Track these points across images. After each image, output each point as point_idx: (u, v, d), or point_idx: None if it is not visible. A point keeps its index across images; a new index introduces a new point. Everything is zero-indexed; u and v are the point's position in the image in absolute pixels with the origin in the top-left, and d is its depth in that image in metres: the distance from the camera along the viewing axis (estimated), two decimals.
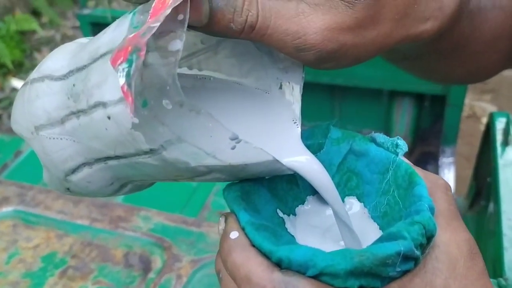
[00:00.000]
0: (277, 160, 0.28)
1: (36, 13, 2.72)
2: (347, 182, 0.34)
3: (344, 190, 0.34)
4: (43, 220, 0.76)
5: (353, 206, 0.34)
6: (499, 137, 0.69)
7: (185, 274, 0.64)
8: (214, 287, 0.63)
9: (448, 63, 0.44)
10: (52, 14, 2.69)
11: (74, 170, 0.30)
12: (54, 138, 0.29)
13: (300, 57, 0.29)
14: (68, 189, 0.31)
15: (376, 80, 1.27)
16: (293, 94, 0.32)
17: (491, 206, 0.67)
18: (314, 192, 0.34)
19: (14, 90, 2.23)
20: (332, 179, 0.34)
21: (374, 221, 0.33)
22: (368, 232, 0.32)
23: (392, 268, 0.25)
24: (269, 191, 0.32)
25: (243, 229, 0.28)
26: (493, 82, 1.75)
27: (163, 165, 0.27)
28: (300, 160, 0.29)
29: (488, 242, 0.65)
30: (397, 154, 0.32)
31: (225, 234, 0.28)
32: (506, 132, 0.69)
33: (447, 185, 0.30)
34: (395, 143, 0.32)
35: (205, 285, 0.63)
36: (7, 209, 0.77)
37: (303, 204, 0.34)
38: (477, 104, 1.67)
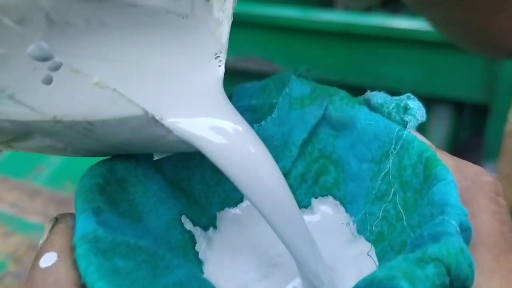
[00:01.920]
0: (156, 120, 0.14)
1: None
2: (319, 176, 0.20)
3: (314, 189, 0.20)
4: None
5: (327, 214, 0.20)
6: None
7: None
8: None
9: (502, 18, 0.29)
10: None
11: None
12: None
13: None
14: None
15: (409, 82, 1.11)
16: (224, 8, 0.18)
17: None
18: None
19: None
20: (291, 168, 0.20)
21: (368, 241, 0.18)
22: (351, 263, 0.18)
23: None
24: (170, 182, 0.18)
25: (74, 249, 0.14)
26: None
27: None
28: (211, 125, 0.15)
29: None
30: (405, 126, 0.17)
31: (36, 257, 0.14)
32: None
33: (496, 185, 0.16)
34: (402, 104, 0.17)
35: None
36: None
37: (235, 206, 0.20)
38: None
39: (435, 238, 0.13)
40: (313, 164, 0.19)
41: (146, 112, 0.14)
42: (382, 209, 0.17)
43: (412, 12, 0.92)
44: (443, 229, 0.13)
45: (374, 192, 0.18)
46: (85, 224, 0.14)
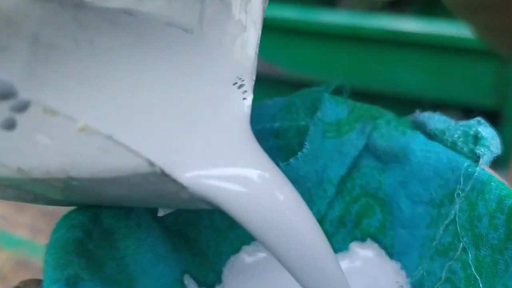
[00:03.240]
0: (165, 175, 0.10)
1: None
2: (361, 218, 0.16)
3: (354, 234, 0.16)
4: None
5: (370, 263, 0.16)
6: None
7: None
8: None
9: None
10: None
11: None
12: None
13: None
14: None
15: (417, 87, 1.07)
16: (248, 8, 0.14)
17: None
18: None
19: None
20: (327, 211, 0.16)
21: None
22: None
23: None
24: (170, 230, 0.14)
25: None
26: None
27: None
28: (233, 176, 0.11)
29: None
30: (476, 160, 0.13)
31: None
32: None
33: None
34: (471, 132, 0.14)
35: None
36: None
37: (248, 244, 0.16)
38: None
39: None
40: (353, 204, 0.15)
41: (152, 165, 0.10)
42: (447, 268, 0.13)
43: (419, 13, 0.89)
44: None
45: (434, 244, 0.14)
46: None
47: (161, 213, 0.13)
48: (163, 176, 0.10)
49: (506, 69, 0.89)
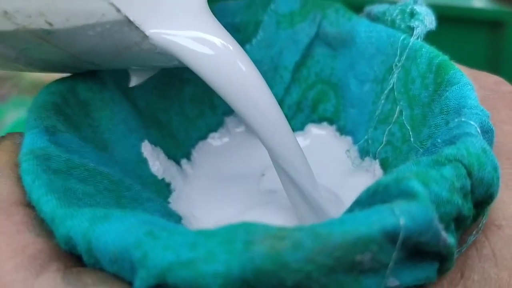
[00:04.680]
0: (130, 22, 0.12)
1: None
2: (317, 104, 0.17)
3: (312, 118, 0.18)
4: None
5: (323, 139, 0.17)
6: None
7: None
8: None
9: None
10: None
11: None
12: None
13: None
14: None
15: None
16: None
17: None
18: None
19: None
20: (284, 96, 0.17)
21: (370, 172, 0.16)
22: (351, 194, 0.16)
23: (369, 275, 0.09)
24: (142, 110, 0.16)
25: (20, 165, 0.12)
26: None
27: None
28: (196, 37, 0.13)
29: None
30: (411, 34, 0.15)
31: None
32: None
33: None
34: (407, 10, 0.15)
35: None
36: None
37: (216, 130, 0.18)
38: None
39: (452, 142, 0.11)
40: (309, 90, 0.17)
41: (118, 11, 0.12)
42: (386, 132, 0.15)
43: None
44: (460, 131, 0.11)
45: (376, 114, 0.15)
46: (35, 140, 0.12)
47: (133, 83, 0.14)
48: (128, 23, 0.12)
49: (498, 39, 0.90)
